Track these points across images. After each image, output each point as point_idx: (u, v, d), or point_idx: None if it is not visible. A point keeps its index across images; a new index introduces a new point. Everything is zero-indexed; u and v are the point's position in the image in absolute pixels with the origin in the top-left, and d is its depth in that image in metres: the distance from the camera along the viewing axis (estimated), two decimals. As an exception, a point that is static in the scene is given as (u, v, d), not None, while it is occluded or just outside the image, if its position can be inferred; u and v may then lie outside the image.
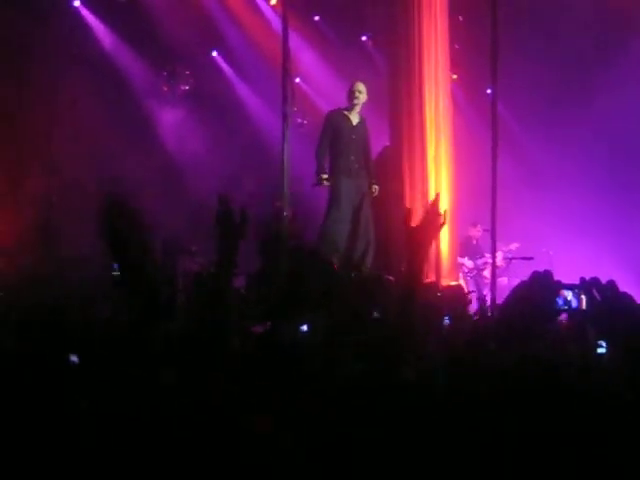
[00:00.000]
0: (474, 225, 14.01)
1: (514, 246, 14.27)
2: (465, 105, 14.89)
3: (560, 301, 6.56)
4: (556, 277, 12.75)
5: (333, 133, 10.46)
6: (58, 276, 10.29)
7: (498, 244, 13.63)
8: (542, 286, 3.74)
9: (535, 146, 15.53)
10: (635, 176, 14.84)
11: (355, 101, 10.53)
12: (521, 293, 3.86)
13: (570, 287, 6.66)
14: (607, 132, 14.62)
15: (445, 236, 11.23)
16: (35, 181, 13.26)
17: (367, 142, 10.69)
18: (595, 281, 3.82)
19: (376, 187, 10.59)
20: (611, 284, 3.73)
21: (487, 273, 13.70)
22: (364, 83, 10.74)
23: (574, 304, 6.51)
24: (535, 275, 3.82)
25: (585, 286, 3.83)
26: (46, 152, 13.59)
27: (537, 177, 15.36)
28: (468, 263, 14.03)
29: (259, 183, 14.01)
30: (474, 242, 14.33)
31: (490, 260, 13.67)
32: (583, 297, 6.41)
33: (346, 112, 10.58)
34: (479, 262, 14.13)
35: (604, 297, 3.70)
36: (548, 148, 15.31)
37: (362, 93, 10.56)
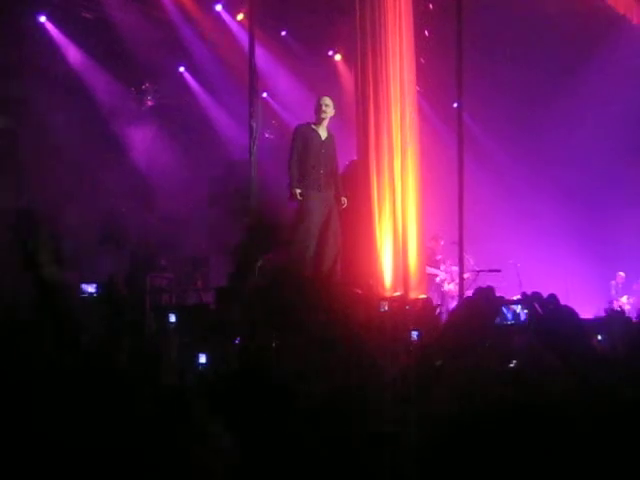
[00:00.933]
0: (435, 238, 13.85)
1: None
2: (433, 118, 14.97)
3: (509, 315, 6.63)
4: (523, 289, 12.83)
5: (302, 147, 10.47)
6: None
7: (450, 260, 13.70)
8: (485, 302, 3.79)
9: (503, 157, 15.61)
10: (604, 187, 14.92)
11: (323, 115, 10.55)
12: (465, 309, 3.91)
13: (513, 302, 6.77)
14: (577, 144, 14.70)
15: (413, 249, 11.28)
16: (2, 198, 13.19)
17: (335, 156, 10.72)
18: (537, 295, 3.89)
19: (344, 199, 10.58)
20: (552, 298, 3.80)
21: (451, 286, 13.74)
22: (330, 97, 10.78)
23: (522, 318, 6.57)
24: (478, 291, 3.87)
25: (526, 300, 3.90)
26: (13, 168, 13.54)
27: (505, 188, 15.44)
28: (442, 275, 14.03)
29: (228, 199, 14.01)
30: (438, 257, 14.23)
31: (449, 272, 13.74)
32: (525, 311, 6.50)
33: (314, 126, 10.58)
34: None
35: (545, 310, 3.76)
36: (517, 160, 15.39)
37: (329, 107, 10.59)
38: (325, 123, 10.58)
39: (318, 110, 10.56)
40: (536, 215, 15.15)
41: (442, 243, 13.96)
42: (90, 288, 8.92)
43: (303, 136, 10.49)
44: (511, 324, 6.50)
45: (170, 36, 15.19)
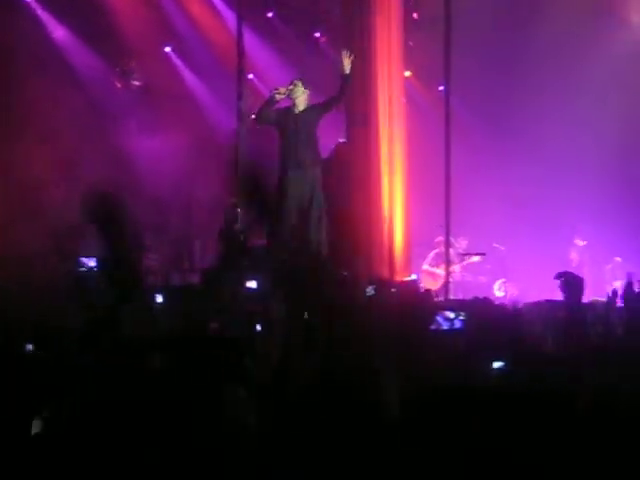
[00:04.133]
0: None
1: (464, 243, 14.34)
2: (421, 101, 14.94)
3: (443, 322, 6.70)
4: (507, 272, 12.88)
5: (280, 128, 10.28)
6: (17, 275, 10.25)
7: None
8: (416, 307, 3.87)
9: (491, 141, 15.55)
10: (596, 176, 14.78)
11: (291, 95, 10.30)
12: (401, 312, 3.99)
13: (447, 309, 6.86)
14: (567, 128, 14.63)
15: (399, 232, 11.32)
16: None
17: (314, 133, 10.38)
18: (475, 299, 3.98)
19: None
20: (486, 300, 3.90)
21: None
22: (302, 79, 10.52)
23: (457, 325, 6.64)
24: (413, 296, 3.97)
25: (463, 306, 3.98)
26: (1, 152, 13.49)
27: (492, 172, 15.37)
28: (457, 268, 14.07)
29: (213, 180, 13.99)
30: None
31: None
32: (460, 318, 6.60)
33: (289, 108, 10.37)
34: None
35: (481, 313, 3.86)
36: (508, 143, 15.31)
37: (296, 86, 10.33)
38: (297, 102, 10.30)
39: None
40: (524, 199, 15.11)
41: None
42: (91, 262, 8.95)
43: (280, 117, 10.27)
44: (447, 330, 6.57)
45: (156, 16, 15.12)
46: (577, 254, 14.65)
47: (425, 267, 14.08)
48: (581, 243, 14.66)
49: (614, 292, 7.97)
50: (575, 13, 14.32)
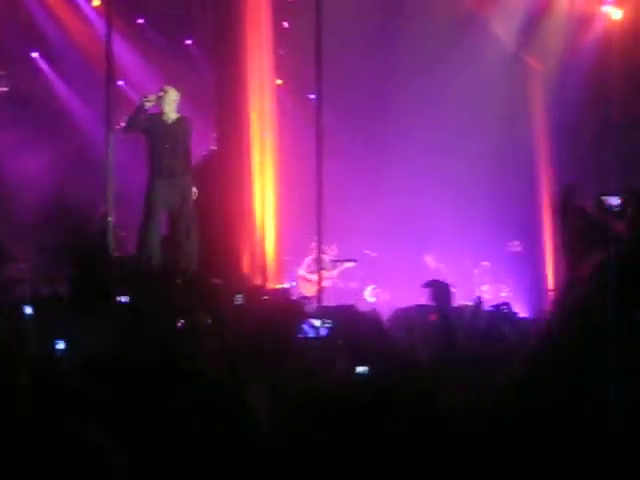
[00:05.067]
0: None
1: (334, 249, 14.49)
2: (292, 110, 15.01)
3: (309, 330, 6.80)
4: (378, 278, 13.09)
5: (149, 135, 10.15)
6: None
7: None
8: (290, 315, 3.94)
9: (361, 147, 15.70)
10: (461, 177, 15.00)
11: (161, 101, 10.17)
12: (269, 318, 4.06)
13: (313, 317, 7.00)
14: (440, 134, 14.83)
15: (271, 239, 11.35)
16: None
17: (187, 142, 10.30)
18: (340, 307, 4.09)
19: (195, 190, 10.23)
20: (352, 308, 4.02)
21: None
22: (174, 87, 10.42)
23: (323, 333, 6.76)
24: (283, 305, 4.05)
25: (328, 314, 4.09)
26: None
27: (364, 178, 15.51)
28: (334, 273, 14.24)
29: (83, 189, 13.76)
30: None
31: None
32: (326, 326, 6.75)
33: (159, 115, 10.25)
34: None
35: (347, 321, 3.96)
36: (376, 149, 15.48)
37: (166, 92, 10.21)
38: (167, 110, 10.17)
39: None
40: (396, 204, 15.29)
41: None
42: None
43: (150, 124, 10.13)
44: (312, 338, 6.67)
45: (23, 20, 14.82)
46: (432, 259, 14.91)
47: (301, 273, 14.17)
48: (432, 263, 14.90)
49: (479, 298, 8.19)
50: (445, 23, 14.61)
